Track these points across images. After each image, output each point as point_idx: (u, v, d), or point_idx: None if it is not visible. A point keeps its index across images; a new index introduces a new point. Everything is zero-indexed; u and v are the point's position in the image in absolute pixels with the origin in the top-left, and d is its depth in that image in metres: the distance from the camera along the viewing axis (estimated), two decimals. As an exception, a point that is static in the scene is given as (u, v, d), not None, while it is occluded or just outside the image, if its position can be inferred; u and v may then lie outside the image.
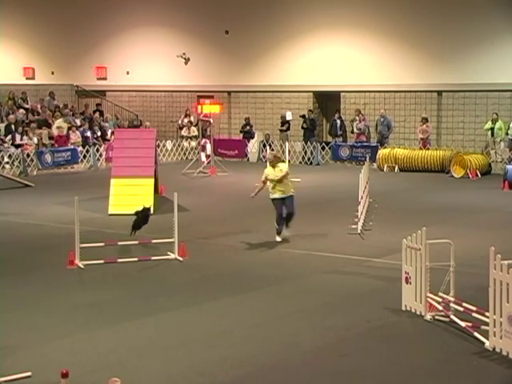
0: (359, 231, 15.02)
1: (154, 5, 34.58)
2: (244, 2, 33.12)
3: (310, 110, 30.73)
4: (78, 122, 29.72)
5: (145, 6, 34.69)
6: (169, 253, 13.10)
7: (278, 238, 14.38)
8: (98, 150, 27.59)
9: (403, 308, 9.89)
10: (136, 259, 12.79)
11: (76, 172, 26.24)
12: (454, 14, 28.96)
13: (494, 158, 27.09)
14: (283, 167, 14.41)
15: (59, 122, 28.67)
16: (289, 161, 25.01)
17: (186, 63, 33.59)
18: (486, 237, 14.41)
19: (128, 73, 35.14)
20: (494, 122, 27.71)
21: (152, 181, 18.43)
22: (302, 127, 29.99)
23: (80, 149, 27.26)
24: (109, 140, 28.69)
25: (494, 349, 8.33)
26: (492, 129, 27.71)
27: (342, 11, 30.85)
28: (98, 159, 27.33)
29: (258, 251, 13.76)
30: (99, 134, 29.93)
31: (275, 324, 9.52)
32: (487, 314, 8.51)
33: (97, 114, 31.45)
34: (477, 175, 24.36)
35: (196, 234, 14.96)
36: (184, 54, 33.50)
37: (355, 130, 29.05)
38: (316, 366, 8.12)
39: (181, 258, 12.95)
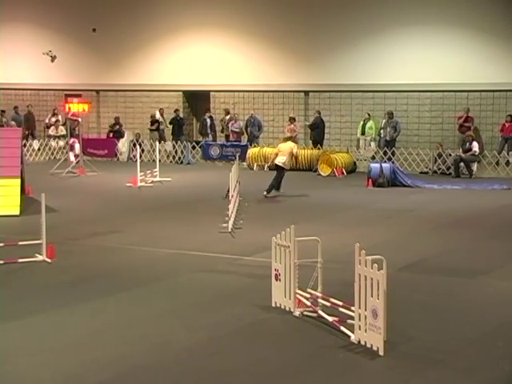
0: (230, 230, 15.15)
1: (19, 0, 33.67)
2: (111, 0, 32.75)
3: (176, 110, 30.78)
4: None
5: (9, 1, 33.72)
6: (36, 255, 12.80)
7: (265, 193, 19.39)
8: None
9: (273, 305, 10.05)
10: (1, 262, 12.44)
11: None
12: (318, 17, 29.66)
13: (362, 155, 27.91)
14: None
15: None
16: (159, 160, 24.96)
17: (52, 61, 32.90)
18: (353, 233, 14.85)
19: (-9, 70, 34.14)
20: (366, 121, 28.60)
21: (18, 181, 18.00)
22: (172, 123, 30.15)
23: None
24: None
25: (359, 342, 8.60)
26: (363, 127, 28.59)
27: (210, 11, 31.03)
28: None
29: (128, 252, 13.65)
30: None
31: (146, 324, 9.49)
32: (353, 308, 8.78)
33: (-42, 113, 30.41)
34: (343, 173, 25.06)
35: (65, 235, 14.69)
36: (50, 51, 32.80)
37: (231, 129, 29.32)
38: (187, 365, 8.14)
39: (49, 260, 12.69)
